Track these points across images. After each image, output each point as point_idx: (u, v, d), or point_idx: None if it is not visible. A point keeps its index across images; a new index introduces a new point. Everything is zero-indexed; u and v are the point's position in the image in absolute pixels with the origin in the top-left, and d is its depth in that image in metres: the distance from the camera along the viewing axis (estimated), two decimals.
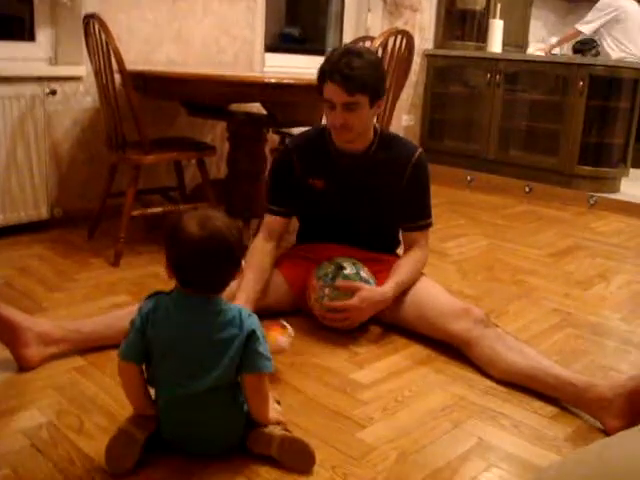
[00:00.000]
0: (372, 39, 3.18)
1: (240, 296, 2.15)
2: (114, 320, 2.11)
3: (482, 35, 5.70)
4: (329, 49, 5.24)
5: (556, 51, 5.91)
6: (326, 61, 2.23)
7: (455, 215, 4.25)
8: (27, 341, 1.98)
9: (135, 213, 3.04)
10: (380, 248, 2.50)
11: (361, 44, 3.85)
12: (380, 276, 2.33)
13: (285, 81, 2.99)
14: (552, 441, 1.78)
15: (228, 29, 4.11)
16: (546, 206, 4.69)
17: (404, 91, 3.39)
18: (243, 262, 1.61)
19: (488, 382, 2.07)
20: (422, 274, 2.44)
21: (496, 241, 3.71)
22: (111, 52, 2.86)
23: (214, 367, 1.52)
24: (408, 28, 3.76)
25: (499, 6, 5.59)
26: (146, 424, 1.58)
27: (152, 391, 1.62)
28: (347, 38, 5.05)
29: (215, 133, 4.11)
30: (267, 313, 2.24)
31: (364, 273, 2.30)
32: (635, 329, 2.59)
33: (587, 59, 5.20)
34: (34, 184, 3.29)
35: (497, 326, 2.18)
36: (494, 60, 5.24)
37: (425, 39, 5.55)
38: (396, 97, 3.17)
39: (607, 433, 1.80)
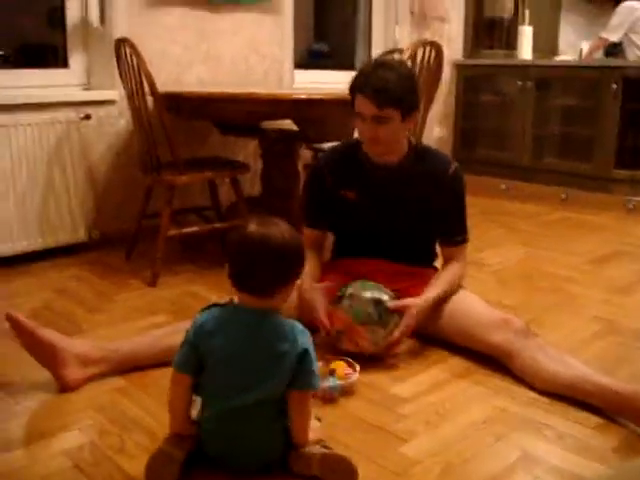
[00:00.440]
0: (401, 51, 3.18)
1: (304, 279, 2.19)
2: (152, 340, 2.12)
3: (511, 42, 5.66)
4: (358, 63, 5.25)
5: None
6: (358, 74, 2.23)
7: (491, 224, 4.21)
8: (66, 362, 2.00)
9: (171, 233, 3.07)
10: (416, 261, 2.48)
11: (391, 56, 3.86)
12: (417, 290, 2.31)
13: (315, 97, 3.00)
14: (598, 452, 1.74)
15: (257, 47, 4.14)
16: (583, 212, 4.62)
17: (435, 102, 3.37)
18: (298, 281, 1.63)
19: (530, 393, 2.04)
20: (461, 286, 2.42)
21: (533, 249, 3.66)
22: (143, 75, 2.90)
23: (264, 381, 1.54)
24: (437, 39, 3.75)
25: (527, 12, 5.56)
26: (184, 443, 1.59)
27: (198, 403, 1.63)
28: (376, 52, 5.05)
29: (247, 151, 4.14)
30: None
31: (389, 290, 2.25)
32: None
33: (619, 61, 5.15)
34: (71, 207, 3.34)
35: (537, 336, 2.15)
36: (524, 67, 5.20)
37: (454, 49, 5.53)
38: (427, 109, 3.17)
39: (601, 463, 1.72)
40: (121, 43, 2.98)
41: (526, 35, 5.46)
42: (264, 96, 3.15)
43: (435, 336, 2.36)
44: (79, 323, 2.55)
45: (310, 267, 2.28)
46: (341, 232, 2.57)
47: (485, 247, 3.66)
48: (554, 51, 6.18)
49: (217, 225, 3.31)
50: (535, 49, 5.54)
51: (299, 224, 2.49)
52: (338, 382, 1.99)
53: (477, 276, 3.15)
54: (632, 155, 4.80)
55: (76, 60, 3.55)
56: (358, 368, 2.07)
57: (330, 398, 1.97)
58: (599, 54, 5.83)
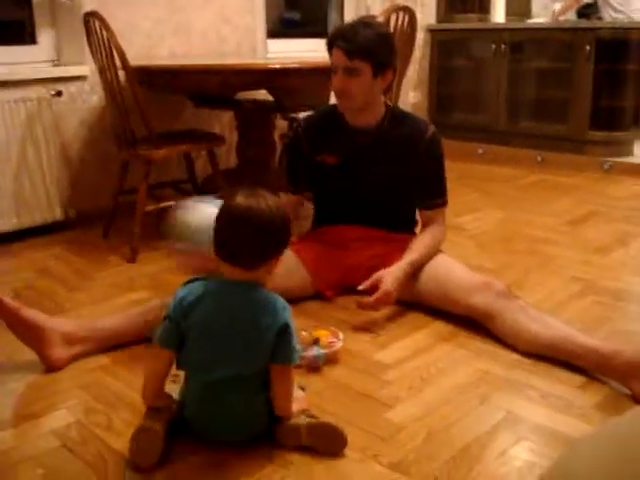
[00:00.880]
0: (374, 17, 3.15)
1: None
2: (135, 317, 2.12)
3: (484, 6, 5.64)
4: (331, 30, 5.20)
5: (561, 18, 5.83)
6: (335, 29, 2.30)
7: (468, 189, 4.23)
8: (51, 342, 1.99)
9: (149, 208, 3.05)
10: (395, 227, 2.49)
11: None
12: (397, 257, 2.32)
13: (290, 66, 2.98)
14: (581, 410, 1.77)
15: (228, 18, 4.09)
16: (559, 174, 4.64)
17: (409, 67, 3.36)
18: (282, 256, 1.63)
19: (513, 355, 2.06)
20: (440, 251, 2.43)
21: (511, 212, 3.68)
22: (113, 49, 2.85)
23: (245, 354, 1.54)
24: (409, 4, 3.71)
25: None
26: (162, 415, 1.60)
27: (181, 378, 1.63)
28: (348, 18, 5.01)
29: (223, 123, 4.10)
30: (288, 299, 2.24)
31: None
32: None
33: (592, 23, 5.14)
34: (46, 186, 3.30)
35: (518, 298, 2.17)
36: (498, 30, 5.19)
37: (427, 14, 5.49)
38: (402, 74, 3.16)
39: (636, 399, 1.78)
40: (90, 17, 2.93)
41: None
42: (238, 67, 3.12)
43: (416, 301, 2.37)
44: (61, 302, 2.54)
45: None
46: (320, 199, 2.57)
47: (463, 211, 3.68)
48: (527, 14, 6.17)
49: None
50: (508, 12, 5.54)
51: (276, 193, 2.50)
52: (322, 351, 2.01)
53: (456, 240, 3.17)
54: (606, 116, 4.82)
55: (44, 36, 3.48)
56: (342, 336, 2.08)
57: (314, 367, 1.98)
58: (571, 14, 5.83)
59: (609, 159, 4.69)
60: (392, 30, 2.95)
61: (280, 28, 4.87)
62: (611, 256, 2.98)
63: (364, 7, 5.04)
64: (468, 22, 5.54)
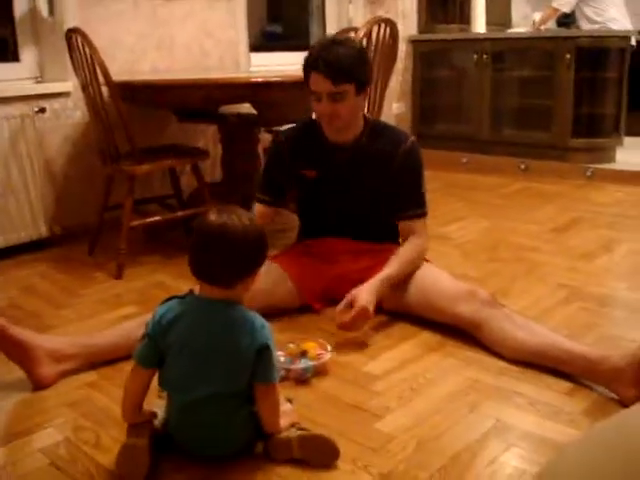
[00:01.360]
0: (356, 30, 3.18)
1: None
2: (124, 332, 2.10)
3: (465, 16, 5.68)
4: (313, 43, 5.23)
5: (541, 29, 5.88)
6: (310, 52, 2.24)
7: (453, 198, 4.25)
8: (39, 360, 1.98)
9: (134, 224, 3.04)
10: (380, 238, 2.49)
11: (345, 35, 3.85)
12: (380, 269, 2.31)
13: (273, 79, 2.99)
14: (569, 416, 1.78)
15: (211, 32, 4.10)
16: (543, 182, 4.68)
17: (392, 79, 3.38)
18: (260, 271, 1.62)
19: (500, 363, 2.07)
20: (426, 260, 2.44)
21: (496, 221, 3.70)
22: (96, 65, 2.85)
23: (224, 373, 1.54)
24: (391, 16, 3.74)
25: None
26: (143, 430, 1.59)
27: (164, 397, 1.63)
28: (330, 31, 5.04)
29: (207, 137, 4.11)
30: (275, 312, 2.24)
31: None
32: None
33: (572, 31, 5.19)
34: (31, 203, 3.29)
35: (504, 306, 2.18)
36: (479, 40, 5.23)
37: (409, 25, 5.53)
38: (385, 86, 3.17)
39: (623, 404, 1.79)
40: (72, 33, 2.93)
41: (479, 9, 5.49)
42: (221, 81, 3.12)
43: (404, 311, 2.37)
44: (47, 320, 2.52)
45: None
46: (304, 212, 2.57)
47: (448, 221, 3.69)
48: (507, 24, 6.23)
49: (180, 213, 3.29)
50: (489, 22, 5.57)
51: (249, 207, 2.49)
52: (310, 363, 2.00)
53: (441, 250, 3.18)
54: (588, 124, 4.87)
55: (27, 53, 3.48)
56: (330, 348, 2.08)
57: (303, 379, 1.98)
58: (551, 24, 5.88)
59: (591, 166, 4.73)
60: (374, 42, 2.96)
61: (262, 41, 4.89)
62: (596, 262, 3.00)
63: (346, 20, 5.07)
64: (449, 33, 5.58)
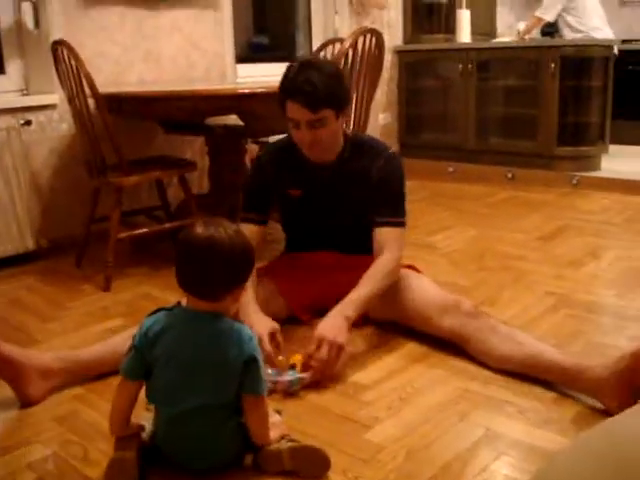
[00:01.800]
0: (342, 40, 3.19)
1: (250, 307, 2.15)
2: (112, 347, 2.08)
3: (450, 26, 5.71)
4: (300, 54, 5.25)
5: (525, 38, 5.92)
6: (284, 79, 2.17)
7: (440, 208, 4.26)
8: (28, 378, 1.96)
9: (121, 236, 3.03)
10: (366, 250, 2.42)
11: (330, 48, 3.86)
12: None
13: (259, 90, 2.99)
14: (558, 424, 1.78)
15: (197, 44, 4.11)
16: (529, 190, 4.70)
17: (378, 89, 3.39)
18: (247, 284, 1.62)
19: (488, 372, 2.07)
20: (415, 270, 2.42)
21: (483, 230, 3.72)
22: (82, 77, 2.85)
23: (211, 385, 1.53)
24: (376, 26, 3.76)
25: None
26: (131, 443, 1.58)
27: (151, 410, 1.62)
28: (316, 42, 5.05)
29: (194, 148, 4.11)
30: None
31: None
32: (630, 304, 2.60)
33: (556, 41, 5.23)
34: (17, 216, 3.27)
35: (488, 316, 2.17)
36: (464, 50, 5.26)
37: (394, 35, 5.56)
38: (371, 96, 3.18)
39: (609, 413, 1.78)
40: (58, 46, 2.93)
41: (464, 19, 5.52)
42: (208, 92, 3.13)
43: (389, 321, 2.38)
44: (33, 333, 2.50)
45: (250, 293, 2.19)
46: (290, 227, 2.56)
47: (435, 230, 3.70)
48: (492, 33, 6.27)
49: (167, 225, 3.28)
50: (474, 32, 5.61)
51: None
52: (297, 375, 2.00)
53: (429, 259, 3.19)
54: (573, 132, 4.90)
55: (12, 65, 3.47)
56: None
57: (290, 392, 1.97)
58: (534, 33, 5.92)
59: (577, 174, 4.76)
60: (360, 53, 2.97)
61: (249, 53, 4.89)
62: (583, 270, 3.01)
63: (332, 31, 5.09)
64: (435, 43, 5.61)
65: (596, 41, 5.02)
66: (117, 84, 3.66)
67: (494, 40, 5.81)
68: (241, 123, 3.24)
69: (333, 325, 2.06)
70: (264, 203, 2.42)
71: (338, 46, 3.23)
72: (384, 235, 2.28)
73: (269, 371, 1.96)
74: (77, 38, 3.39)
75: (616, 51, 5.06)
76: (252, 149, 3.74)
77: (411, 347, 2.27)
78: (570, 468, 0.82)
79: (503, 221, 3.90)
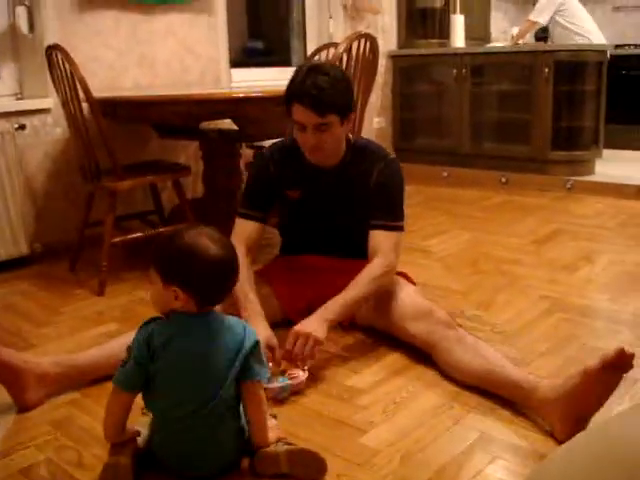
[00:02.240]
0: (336, 45, 3.19)
1: (257, 318, 2.15)
2: (108, 351, 2.07)
3: (444, 32, 5.73)
4: (294, 59, 5.26)
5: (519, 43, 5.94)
6: (292, 82, 2.17)
7: (434, 212, 4.27)
8: (26, 384, 1.96)
9: (115, 240, 3.02)
10: (363, 255, 2.43)
11: (325, 52, 3.87)
12: None
13: (253, 95, 2.99)
14: (552, 427, 1.78)
15: (192, 48, 4.11)
16: (524, 195, 4.71)
17: (372, 94, 3.40)
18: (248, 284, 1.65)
19: None
20: (404, 276, 2.42)
21: (478, 234, 3.72)
22: (77, 81, 2.85)
23: (224, 379, 1.54)
24: (371, 31, 3.77)
25: (458, 1, 5.64)
26: (126, 449, 1.58)
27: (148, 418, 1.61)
28: (311, 47, 5.06)
29: (188, 153, 4.10)
30: None
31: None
32: (623, 308, 2.61)
33: (550, 46, 5.26)
34: (11, 220, 3.26)
35: (460, 327, 2.13)
36: (459, 55, 5.28)
37: (388, 40, 5.58)
38: (365, 101, 3.18)
39: (555, 438, 1.72)
40: (52, 50, 2.93)
41: (458, 24, 5.54)
42: (202, 97, 3.13)
43: (373, 328, 2.38)
44: (28, 338, 2.50)
45: (245, 283, 2.21)
46: (287, 230, 2.56)
47: (430, 234, 3.71)
48: (486, 38, 6.29)
49: (161, 229, 3.28)
50: (468, 37, 5.63)
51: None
52: (289, 382, 1.99)
53: (423, 263, 3.19)
54: (567, 136, 4.92)
55: (7, 70, 3.47)
56: (307, 367, 2.05)
57: (280, 398, 1.96)
58: (529, 37, 5.94)
59: (571, 178, 4.78)
60: (354, 57, 2.98)
61: (243, 57, 4.90)
62: (577, 274, 3.02)
63: (327, 35, 5.10)
64: (429, 48, 5.63)
65: (590, 46, 5.04)
66: (111, 88, 3.66)
67: (488, 45, 5.82)
68: (235, 128, 3.24)
69: (311, 322, 2.07)
70: (265, 201, 2.41)
71: (332, 51, 3.24)
72: (378, 239, 2.28)
73: None
74: (71, 42, 3.38)
75: (608, 55, 5.08)
76: (246, 154, 3.74)
77: (405, 351, 2.27)
78: (565, 469, 0.82)
79: (497, 225, 3.91)
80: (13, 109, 3.34)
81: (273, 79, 4.26)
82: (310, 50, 4.94)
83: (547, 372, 2.07)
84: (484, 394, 1.95)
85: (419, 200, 4.49)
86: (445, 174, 5.33)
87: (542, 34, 5.96)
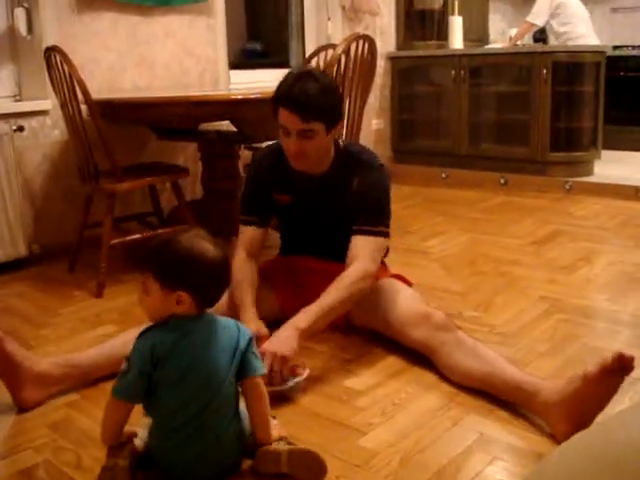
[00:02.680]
0: (334, 46, 3.19)
1: (249, 315, 2.16)
2: (111, 350, 2.07)
3: (443, 33, 5.74)
4: (292, 61, 5.26)
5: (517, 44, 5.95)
6: (281, 85, 2.16)
7: (433, 213, 4.26)
8: (24, 382, 1.96)
9: (114, 242, 3.02)
10: None
11: (323, 54, 3.87)
12: None
13: (252, 96, 2.99)
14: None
15: (190, 50, 4.11)
16: (522, 196, 4.71)
17: (371, 95, 3.40)
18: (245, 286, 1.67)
19: None
20: (402, 279, 2.41)
21: (477, 235, 3.72)
22: (75, 83, 2.85)
23: (224, 379, 1.55)
24: (369, 32, 3.77)
25: (457, 3, 5.64)
26: (124, 452, 1.57)
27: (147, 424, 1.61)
28: (309, 48, 5.06)
29: (187, 154, 4.10)
30: None
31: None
32: (623, 308, 2.61)
33: (548, 47, 5.26)
34: (9, 222, 3.26)
35: (458, 329, 2.12)
36: (457, 56, 5.28)
37: (387, 42, 5.58)
38: (364, 102, 3.18)
39: (556, 439, 1.72)
40: (51, 52, 2.93)
41: (456, 25, 5.54)
42: (201, 98, 3.12)
43: (370, 330, 2.36)
44: (27, 340, 2.49)
45: (244, 281, 2.25)
46: (284, 232, 2.57)
47: (429, 235, 3.70)
48: (485, 39, 6.29)
49: (160, 231, 3.27)
50: (466, 38, 5.63)
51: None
52: (295, 379, 1.98)
53: (422, 264, 3.19)
54: (566, 137, 4.92)
55: (5, 71, 3.47)
56: (307, 368, 2.05)
57: (289, 395, 1.96)
58: (527, 39, 5.95)
59: (570, 179, 4.78)
60: (353, 58, 2.98)
61: (242, 59, 4.90)
62: (576, 274, 3.02)
63: (325, 36, 5.10)
64: (427, 49, 5.63)
65: (588, 47, 5.05)
66: (110, 90, 3.66)
67: (486, 46, 5.83)
68: (234, 129, 3.24)
69: (279, 337, 2.00)
70: (261, 205, 2.40)
71: (331, 52, 3.24)
72: (358, 243, 2.23)
73: None
74: (70, 44, 3.39)
75: (606, 56, 5.08)
76: (245, 155, 3.74)
77: (404, 353, 2.26)
78: (564, 469, 0.82)
79: (496, 226, 3.91)
80: (11, 111, 3.34)
81: (271, 81, 4.24)
82: (309, 51, 4.94)
83: (547, 373, 2.07)
84: (483, 395, 1.95)
85: (418, 201, 4.48)
86: (444, 175, 5.33)
87: (540, 35, 5.97)
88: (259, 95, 2.99)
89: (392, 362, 2.21)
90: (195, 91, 3.78)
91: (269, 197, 2.39)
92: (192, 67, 4.14)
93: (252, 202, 2.41)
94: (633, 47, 6.20)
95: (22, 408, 1.96)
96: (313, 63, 4.17)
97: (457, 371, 2.03)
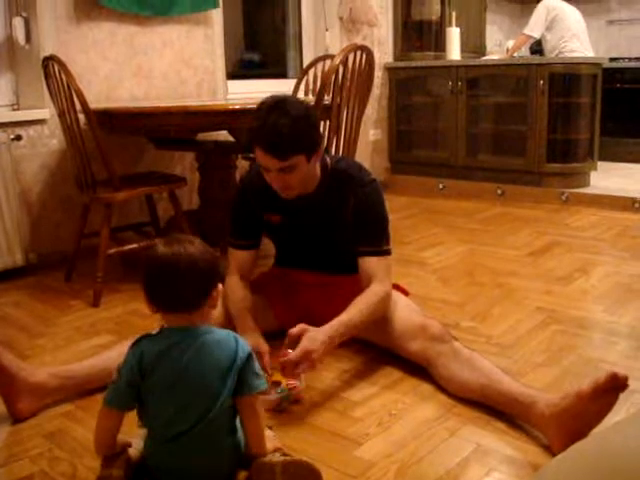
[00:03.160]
0: (332, 57, 3.20)
1: (247, 332, 2.14)
2: (106, 362, 2.05)
3: (440, 44, 5.75)
4: (290, 71, 5.27)
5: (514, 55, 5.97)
6: (254, 122, 2.09)
7: (430, 224, 4.27)
8: (19, 393, 1.95)
9: (111, 252, 3.02)
10: (349, 270, 2.36)
11: (321, 64, 3.87)
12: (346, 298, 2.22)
13: (249, 106, 2.99)
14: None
15: (188, 60, 4.12)
16: (519, 206, 4.72)
17: (369, 106, 3.41)
18: (220, 286, 1.61)
19: None
20: (400, 290, 2.41)
21: (473, 246, 3.72)
22: (73, 93, 2.85)
23: (216, 396, 1.52)
24: (367, 43, 3.79)
25: (454, 14, 5.66)
26: (118, 462, 1.56)
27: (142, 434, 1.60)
28: (307, 58, 5.07)
29: (184, 164, 4.11)
30: None
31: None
32: (619, 319, 2.61)
33: (545, 58, 5.28)
34: (6, 231, 3.26)
35: (455, 340, 2.11)
36: (454, 67, 5.29)
37: (385, 52, 5.60)
38: (361, 113, 3.19)
39: (552, 450, 1.72)
40: (49, 61, 2.93)
41: (454, 36, 5.56)
42: (198, 108, 3.13)
43: (368, 342, 2.35)
44: (22, 350, 2.48)
45: (240, 302, 2.26)
46: (277, 247, 2.56)
47: (426, 247, 3.71)
48: (482, 51, 6.31)
49: (157, 241, 3.27)
50: (463, 49, 5.65)
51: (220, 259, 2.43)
52: (288, 392, 1.98)
53: (419, 275, 3.19)
54: (562, 149, 4.93)
55: (3, 80, 3.47)
56: (303, 376, 2.04)
57: (279, 409, 1.95)
58: (523, 51, 5.97)
59: (566, 190, 4.79)
60: (350, 69, 2.98)
61: (240, 69, 4.91)
62: (572, 285, 3.02)
63: (322, 47, 5.12)
64: (425, 60, 5.64)
65: (584, 59, 5.07)
66: (108, 100, 3.67)
67: (483, 57, 5.85)
68: (232, 139, 3.24)
69: (319, 339, 1.97)
70: (252, 228, 2.39)
71: (329, 62, 3.24)
72: (370, 264, 2.22)
73: None
74: (68, 53, 3.40)
75: (602, 68, 5.10)
76: (243, 165, 3.75)
77: (401, 364, 2.26)
78: (562, 479, 0.82)
79: (493, 237, 3.92)
80: (9, 120, 3.34)
81: (269, 91, 4.26)
82: (306, 62, 4.95)
83: (543, 383, 2.07)
84: (480, 406, 1.95)
85: (415, 212, 4.49)
86: (441, 186, 5.34)
87: (537, 47, 5.99)
88: (256, 105, 2.99)
89: (389, 372, 2.21)
90: (193, 101, 3.79)
91: (259, 218, 2.37)
92: (190, 77, 4.14)
93: (242, 227, 2.39)
94: (629, 59, 6.23)
95: (17, 419, 1.95)
96: (310, 74, 4.19)
97: (453, 382, 2.03)
